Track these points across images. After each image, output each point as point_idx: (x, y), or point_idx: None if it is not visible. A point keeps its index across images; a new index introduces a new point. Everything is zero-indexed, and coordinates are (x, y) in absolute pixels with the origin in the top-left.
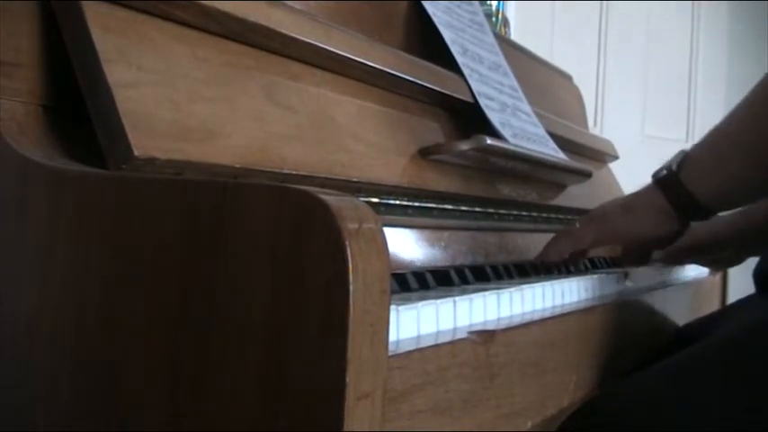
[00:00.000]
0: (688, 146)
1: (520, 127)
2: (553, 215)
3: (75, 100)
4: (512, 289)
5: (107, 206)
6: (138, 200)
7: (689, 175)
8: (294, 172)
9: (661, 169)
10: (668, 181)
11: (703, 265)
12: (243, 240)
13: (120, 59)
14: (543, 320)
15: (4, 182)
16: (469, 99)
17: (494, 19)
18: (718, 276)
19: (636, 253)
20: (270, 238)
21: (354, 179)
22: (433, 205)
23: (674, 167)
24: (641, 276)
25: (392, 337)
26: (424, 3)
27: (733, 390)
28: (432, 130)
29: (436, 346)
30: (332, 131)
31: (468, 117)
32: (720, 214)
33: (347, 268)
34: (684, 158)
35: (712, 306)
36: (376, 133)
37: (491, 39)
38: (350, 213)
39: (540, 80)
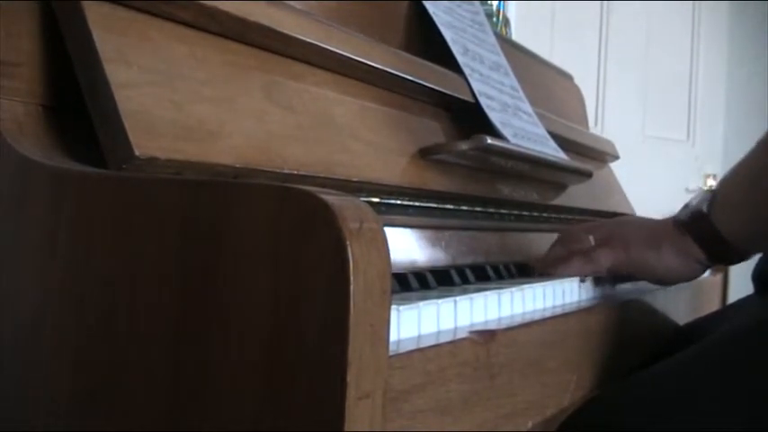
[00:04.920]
0: (688, 145)
1: (520, 127)
2: (554, 215)
3: (75, 100)
4: (513, 289)
5: (107, 206)
6: (138, 200)
7: (721, 219)
8: (295, 172)
9: (686, 210)
10: (699, 225)
11: None
12: (243, 240)
13: (120, 59)
14: (544, 320)
15: (4, 182)
16: (470, 99)
17: (494, 19)
18: (718, 276)
19: (629, 277)
20: (270, 237)
21: (355, 179)
22: (434, 205)
23: (704, 209)
24: None
25: (393, 336)
26: (425, 2)
27: (733, 389)
28: (432, 130)
29: (437, 345)
30: (332, 131)
31: (468, 117)
32: None
33: (348, 268)
34: (714, 198)
35: (712, 306)
36: (376, 133)
37: (492, 39)
38: (351, 213)
39: (541, 80)
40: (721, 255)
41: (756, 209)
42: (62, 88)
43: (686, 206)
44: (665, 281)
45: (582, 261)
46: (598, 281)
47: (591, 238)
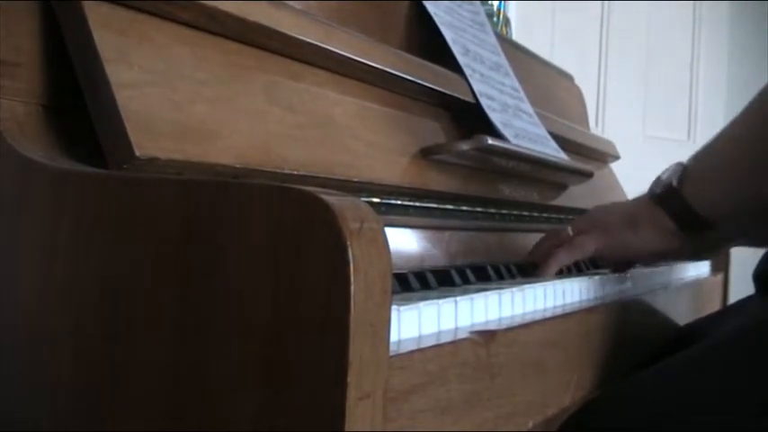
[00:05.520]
0: (689, 145)
1: (521, 127)
2: (554, 215)
3: (75, 100)
4: (513, 289)
5: (107, 206)
6: (138, 200)
7: (692, 192)
8: (295, 172)
9: (659, 184)
10: (669, 198)
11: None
12: (243, 240)
13: (120, 59)
14: (544, 320)
15: (4, 182)
16: (471, 99)
17: (495, 19)
18: (718, 276)
19: (626, 264)
20: (270, 237)
21: (355, 179)
22: (435, 205)
23: (674, 183)
24: (642, 277)
25: (393, 337)
26: (425, 2)
27: (733, 390)
28: (433, 131)
29: (437, 345)
30: (332, 131)
31: (469, 117)
32: None
33: (348, 268)
34: (684, 172)
35: (713, 306)
36: (377, 133)
37: (492, 39)
38: (351, 213)
39: (542, 80)
40: (694, 227)
41: (726, 181)
42: (62, 88)
43: (658, 180)
44: (648, 257)
45: (566, 250)
46: (606, 280)
47: (569, 228)
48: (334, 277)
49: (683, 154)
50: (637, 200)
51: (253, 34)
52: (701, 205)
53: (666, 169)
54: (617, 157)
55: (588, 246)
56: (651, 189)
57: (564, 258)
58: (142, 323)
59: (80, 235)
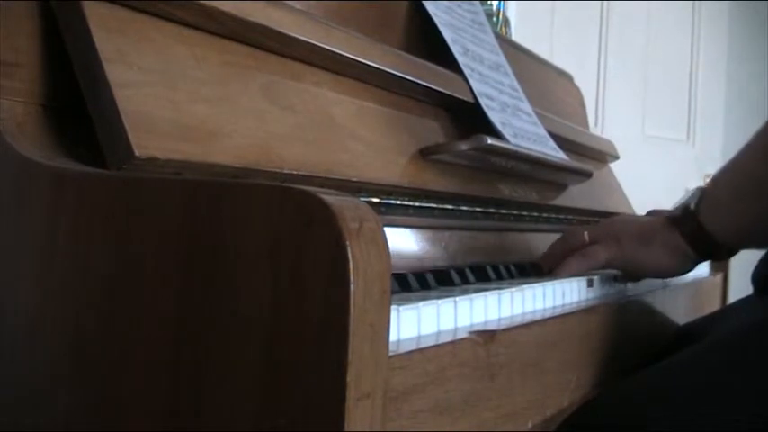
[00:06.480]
0: (688, 145)
1: (520, 127)
2: (554, 215)
3: (75, 100)
4: (512, 289)
5: (107, 206)
6: (138, 200)
7: (707, 216)
8: (294, 172)
9: (678, 207)
10: (687, 221)
11: None
12: (243, 240)
13: (120, 59)
14: (544, 320)
15: (4, 182)
16: (470, 99)
17: (494, 19)
18: (718, 276)
19: (636, 277)
20: (270, 238)
21: (354, 179)
22: (434, 205)
23: (692, 207)
24: None
25: (393, 336)
26: (425, 2)
27: (733, 389)
28: (432, 130)
29: (437, 345)
30: (332, 131)
31: (468, 117)
32: None
33: (348, 268)
34: (702, 197)
35: (712, 306)
36: (376, 133)
37: (492, 39)
38: (350, 213)
39: (541, 80)
40: (708, 251)
41: (741, 209)
42: (62, 88)
43: (678, 203)
44: (656, 275)
45: (578, 259)
46: (606, 280)
47: (586, 234)
48: (334, 277)
49: (683, 154)
50: (654, 218)
51: (252, 34)
52: (716, 229)
53: (688, 192)
54: (616, 157)
55: (600, 256)
56: (671, 211)
57: (576, 267)
58: (142, 323)
59: (80, 235)
